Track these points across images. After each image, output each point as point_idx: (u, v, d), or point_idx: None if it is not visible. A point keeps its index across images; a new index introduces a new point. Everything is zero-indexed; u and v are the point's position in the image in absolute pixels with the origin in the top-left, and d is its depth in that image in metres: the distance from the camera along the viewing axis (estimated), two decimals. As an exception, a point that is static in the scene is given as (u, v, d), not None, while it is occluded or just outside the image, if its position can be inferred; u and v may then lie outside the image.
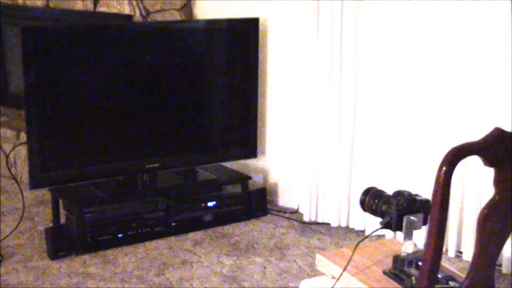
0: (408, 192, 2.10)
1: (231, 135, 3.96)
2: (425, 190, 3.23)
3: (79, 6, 4.35)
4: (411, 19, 3.32)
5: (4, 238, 3.53)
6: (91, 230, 3.41)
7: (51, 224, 3.58)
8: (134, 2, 4.15)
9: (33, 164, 3.35)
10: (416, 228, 2.07)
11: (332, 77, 3.59)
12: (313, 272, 3.19)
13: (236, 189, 3.90)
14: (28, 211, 3.88)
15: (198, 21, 4.09)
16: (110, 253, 3.42)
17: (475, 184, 3.23)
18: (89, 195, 3.56)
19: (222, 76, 3.93)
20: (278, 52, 3.95)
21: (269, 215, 3.93)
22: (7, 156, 4.23)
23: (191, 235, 3.65)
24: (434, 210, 1.70)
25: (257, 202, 3.89)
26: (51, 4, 4.51)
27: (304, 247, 3.52)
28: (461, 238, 3.36)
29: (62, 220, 3.56)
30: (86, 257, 3.36)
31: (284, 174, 4.06)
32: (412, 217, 2.05)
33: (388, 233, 3.29)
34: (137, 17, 4.14)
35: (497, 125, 1.84)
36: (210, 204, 3.74)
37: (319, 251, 3.43)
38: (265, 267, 3.30)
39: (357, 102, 3.59)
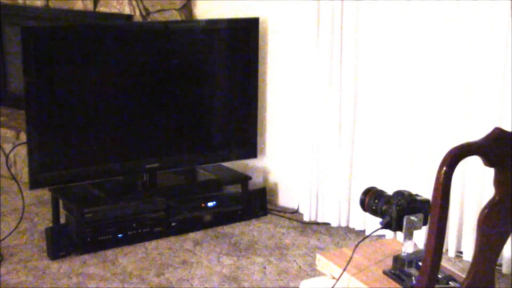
0: (408, 192, 2.10)
1: (231, 135, 3.96)
2: (425, 190, 3.23)
3: (79, 6, 4.35)
4: (411, 19, 3.32)
5: (4, 238, 3.53)
6: (91, 230, 3.41)
7: (51, 224, 3.58)
8: (134, 2, 4.15)
9: (33, 164, 3.35)
10: (416, 228, 2.07)
11: (332, 77, 3.59)
12: (313, 272, 3.19)
13: (236, 189, 3.89)
14: (28, 211, 3.88)
15: (198, 21, 4.09)
16: (110, 253, 3.42)
17: (475, 184, 3.23)
18: (89, 195, 3.56)
19: (222, 76, 3.93)
20: (278, 52, 3.95)
21: (269, 215, 3.93)
22: (7, 156, 4.23)
23: (191, 235, 3.65)
24: (434, 210, 1.70)
25: (257, 202, 3.89)
26: (51, 4, 4.51)
27: (304, 247, 3.52)
28: (461, 238, 3.36)
29: (62, 220, 3.56)
30: (86, 257, 3.36)
31: (284, 174, 4.06)
32: (412, 217, 2.05)
33: (388, 233, 3.29)
34: (137, 17, 4.15)
35: (497, 125, 1.84)
36: (210, 204, 3.74)
37: (319, 251, 3.43)
38: (265, 267, 3.30)
39: (357, 102, 3.59)
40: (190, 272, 3.24)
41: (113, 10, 4.21)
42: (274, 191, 4.10)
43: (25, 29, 3.28)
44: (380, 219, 2.12)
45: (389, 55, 3.43)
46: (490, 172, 1.76)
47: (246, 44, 3.85)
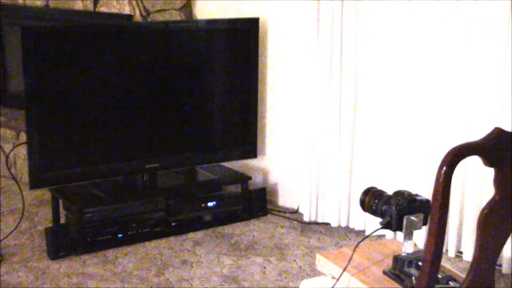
0: (408, 192, 2.10)
1: (231, 135, 3.96)
2: (425, 190, 3.24)
3: (79, 6, 4.35)
4: (411, 19, 3.32)
5: (4, 238, 3.53)
6: (91, 230, 3.41)
7: (51, 224, 3.58)
8: (134, 2, 4.15)
9: (33, 164, 3.35)
10: (416, 228, 2.07)
11: (332, 77, 3.59)
12: (313, 272, 3.19)
13: (236, 189, 3.89)
14: (28, 211, 3.88)
15: (198, 21, 4.09)
16: (110, 253, 3.42)
17: (475, 184, 3.23)
18: (89, 195, 3.56)
19: (222, 76, 3.93)
20: (278, 52, 3.95)
21: (269, 215, 3.93)
22: (7, 156, 4.23)
23: (191, 235, 3.65)
24: (434, 210, 1.70)
25: (257, 202, 3.89)
26: (51, 4, 4.51)
27: (304, 247, 3.52)
28: (461, 238, 3.36)
29: (62, 220, 3.56)
30: (86, 257, 3.36)
31: (284, 174, 4.06)
32: (412, 217, 2.05)
33: (388, 233, 3.29)
34: (137, 17, 4.15)
35: (497, 125, 1.84)
36: (210, 204, 3.74)
37: (319, 251, 3.43)
38: (265, 267, 3.30)
39: (357, 102, 3.59)
40: (190, 272, 3.24)
41: (113, 10, 4.21)
42: (274, 191, 4.10)
43: (25, 29, 3.28)
44: (380, 219, 2.12)
45: (389, 55, 3.43)
46: (490, 172, 1.76)
47: (246, 44, 3.85)
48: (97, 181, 3.63)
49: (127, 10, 4.16)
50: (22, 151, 4.26)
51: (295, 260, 3.37)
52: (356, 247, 2.19)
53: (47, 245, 3.36)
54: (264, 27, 3.94)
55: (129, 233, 3.52)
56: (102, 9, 4.27)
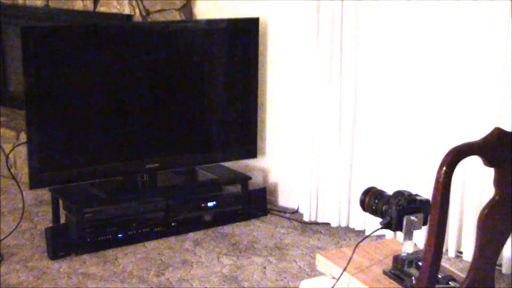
0: (408, 192, 2.10)
1: (231, 135, 3.96)
2: (425, 190, 3.23)
3: (79, 6, 4.35)
4: (411, 19, 3.32)
5: (4, 238, 3.53)
6: (91, 230, 3.41)
7: (51, 224, 3.58)
8: (134, 2, 4.14)
9: (33, 164, 3.35)
10: (416, 228, 2.07)
11: (332, 77, 3.60)
12: (313, 272, 3.19)
13: (236, 189, 3.89)
14: (28, 211, 3.88)
15: (198, 21, 4.09)
16: (110, 253, 3.42)
17: (475, 184, 3.23)
18: (89, 195, 3.56)
19: (222, 76, 3.93)
20: (278, 52, 3.95)
21: (269, 215, 3.93)
22: (7, 156, 4.23)
23: (191, 235, 3.65)
24: (434, 210, 1.70)
25: (257, 202, 3.89)
26: (51, 4, 4.51)
27: (304, 247, 3.52)
28: (461, 238, 3.36)
29: (62, 220, 3.56)
30: (86, 257, 3.36)
31: (284, 174, 4.06)
32: (412, 217, 2.05)
33: (388, 233, 3.29)
34: (137, 17, 4.14)
35: (497, 125, 1.84)
36: (210, 204, 3.74)
37: (319, 251, 3.43)
38: (265, 267, 3.30)
39: (357, 102, 3.59)
40: (190, 272, 3.24)
41: (113, 10, 4.21)
42: (274, 191, 4.10)
43: (25, 29, 3.28)
44: (380, 219, 2.12)
45: (389, 55, 3.43)
46: (490, 172, 1.76)
47: (246, 44, 3.85)
48: (97, 181, 3.63)
49: (127, 10, 4.16)
50: (22, 151, 4.26)
51: (295, 260, 3.37)
52: (356, 247, 2.19)
53: (47, 245, 3.36)
54: (264, 27, 3.94)
55: (129, 233, 3.51)
56: (102, 9, 4.26)
